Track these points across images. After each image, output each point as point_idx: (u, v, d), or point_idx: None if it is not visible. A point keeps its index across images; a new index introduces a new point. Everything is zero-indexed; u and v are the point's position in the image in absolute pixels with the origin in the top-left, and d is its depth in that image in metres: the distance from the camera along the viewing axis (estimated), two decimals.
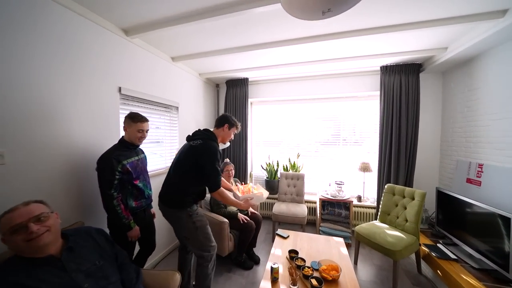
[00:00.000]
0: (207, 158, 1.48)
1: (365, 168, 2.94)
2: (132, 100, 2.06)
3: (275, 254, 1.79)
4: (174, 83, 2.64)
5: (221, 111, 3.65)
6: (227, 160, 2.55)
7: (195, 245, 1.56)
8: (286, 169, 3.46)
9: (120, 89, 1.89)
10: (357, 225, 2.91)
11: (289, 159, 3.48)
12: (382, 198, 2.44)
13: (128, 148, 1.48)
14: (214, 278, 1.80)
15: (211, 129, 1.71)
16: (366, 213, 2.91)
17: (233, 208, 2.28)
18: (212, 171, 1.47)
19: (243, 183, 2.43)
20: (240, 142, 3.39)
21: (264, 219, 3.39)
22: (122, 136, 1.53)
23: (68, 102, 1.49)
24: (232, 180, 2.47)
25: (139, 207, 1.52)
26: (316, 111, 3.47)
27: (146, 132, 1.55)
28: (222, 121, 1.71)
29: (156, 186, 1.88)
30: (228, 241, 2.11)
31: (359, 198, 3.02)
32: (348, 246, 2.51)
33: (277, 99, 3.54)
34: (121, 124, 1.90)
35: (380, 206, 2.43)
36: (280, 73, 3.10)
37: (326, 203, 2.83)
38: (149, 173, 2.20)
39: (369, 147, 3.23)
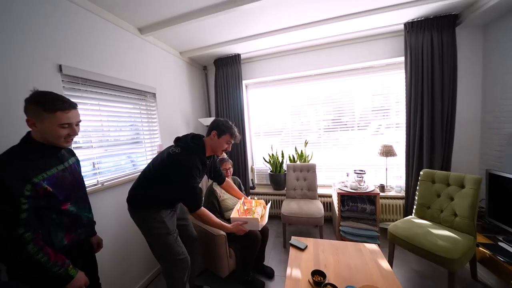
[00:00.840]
0: (178, 175, 1.27)
1: (387, 152, 2.44)
2: (84, 84, 1.52)
3: (292, 277, 1.32)
4: (146, 63, 2.09)
5: (212, 99, 3.10)
6: (225, 155, 2.02)
7: (155, 255, 1.43)
8: (292, 159, 2.97)
9: (60, 68, 1.35)
10: (385, 221, 2.48)
11: (296, 148, 2.97)
12: (418, 187, 1.96)
13: (43, 153, 0.88)
14: None
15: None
16: (393, 205, 2.44)
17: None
18: (188, 190, 1.30)
19: (247, 199, 1.79)
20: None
21: (271, 218, 2.95)
22: (28, 133, 0.88)
23: None
24: (230, 179, 1.98)
25: (76, 243, 0.98)
26: (323, 90, 2.92)
27: (77, 125, 0.94)
28: (210, 127, 1.43)
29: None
30: (227, 259, 1.65)
31: (382, 188, 2.54)
32: None
33: (275, 78, 2.98)
34: None
35: (416, 197, 1.95)
36: (278, 43, 2.53)
37: (345, 198, 2.35)
38: (122, 178, 1.75)
39: (391, 128, 2.72)
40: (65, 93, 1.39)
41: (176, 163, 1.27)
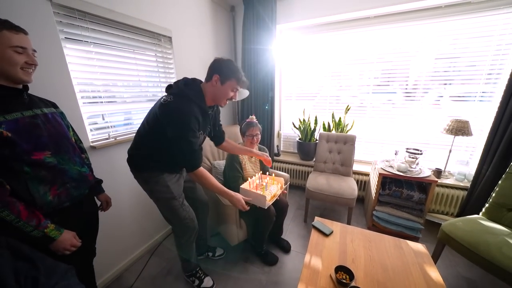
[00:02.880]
0: (173, 128, 1.05)
1: (459, 130, 1.84)
2: (83, 19, 1.26)
3: (310, 267, 1.13)
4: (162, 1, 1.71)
5: (239, 47, 2.63)
6: (253, 118, 1.66)
7: (162, 214, 1.34)
8: (327, 128, 2.53)
9: None
10: (433, 212, 2.06)
11: (333, 114, 2.50)
12: (501, 181, 1.45)
13: (1, 94, 0.73)
14: (224, 266, 1.65)
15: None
16: (449, 196, 1.96)
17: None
18: (185, 145, 1.06)
19: (264, 174, 1.54)
20: (264, 90, 2.47)
21: (293, 188, 2.76)
22: None
23: None
24: (256, 147, 1.72)
25: (67, 199, 0.88)
26: (374, 45, 2.21)
27: (33, 53, 0.76)
28: (211, 70, 1.15)
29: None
30: (237, 229, 1.55)
31: (438, 173, 2.03)
32: (414, 239, 1.75)
33: (319, 21, 2.31)
34: (72, 69, 1.22)
35: (493, 193, 1.47)
36: None
37: (388, 180, 1.95)
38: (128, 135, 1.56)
39: (460, 101, 2.01)
40: (60, 29, 1.17)
41: (170, 114, 1.05)
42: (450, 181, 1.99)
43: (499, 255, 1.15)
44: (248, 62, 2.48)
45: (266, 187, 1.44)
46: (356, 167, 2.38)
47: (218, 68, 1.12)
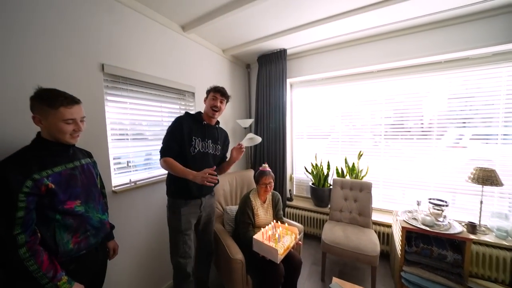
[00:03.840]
0: None
1: (486, 179, 1.71)
2: (125, 82, 1.53)
3: None
4: (187, 62, 2.04)
5: (253, 98, 2.90)
6: (265, 167, 1.69)
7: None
8: (341, 173, 2.48)
9: (102, 67, 1.37)
10: (476, 277, 1.73)
11: (346, 159, 2.48)
12: None
13: (51, 150, 0.85)
14: None
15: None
16: (493, 257, 1.69)
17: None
18: (165, 136, 1.40)
19: (277, 223, 1.56)
20: (276, 135, 2.58)
21: (308, 238, 2.55)
22: (38, 133, 0.87)
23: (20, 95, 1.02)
24: (269, 195, 1.73)
25: (85, 247, 0.90)
26: (384, 90, 2.33)
27: (82, 121, 0.90)
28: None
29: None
30: (242, 285, 1.41)
31: (472, 228, 1.80)
32: None
33: (326, 76, 2.55)
34: (108, 116, 1.41)
35: None
36: (332, 34, 2.10)
37: (414, 235, 1.76)
38: (154, 178, 1.69)
39: (482, 141, 1.93)
40: (106, 91, 1.41)
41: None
42: (489, 238, 1.75)
43: None
44: (260, 109, 2.68)
45: (279, 238, 1.38)
46: (375, 216, 2.21)
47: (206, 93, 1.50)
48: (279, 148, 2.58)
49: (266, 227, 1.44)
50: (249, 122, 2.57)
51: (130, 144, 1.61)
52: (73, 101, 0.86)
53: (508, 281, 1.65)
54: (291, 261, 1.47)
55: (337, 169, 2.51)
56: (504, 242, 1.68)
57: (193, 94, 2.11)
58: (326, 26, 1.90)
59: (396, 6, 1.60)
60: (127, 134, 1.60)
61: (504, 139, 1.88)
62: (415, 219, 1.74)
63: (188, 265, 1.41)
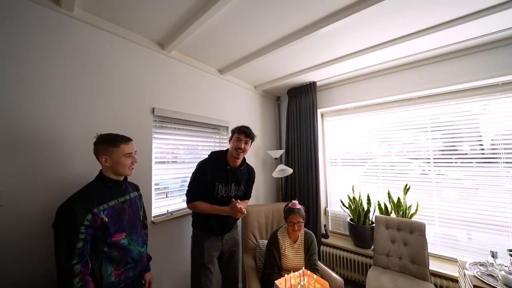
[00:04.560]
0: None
1: None
2: (169, 122, 1.74)
3: None
4: (222, 99, 2.24)
5: (284, 130, 2.95)
6: (295, 204, 1.57)
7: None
8: (384, 210, 2.21)
9: (153, 110, 1.60)
10: None
11: (389, 192, 2.21)
12: None
13: (109, 186, 0.99)
14: None
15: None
16: None
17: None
18: (190, 181, 1.48)
19: (307, 271, 1.37)
20: (308, 165, 2.50)
21: (349, 285, 2.22)
22: (100, 171, 1.02)
23: (78, 137, 1.26)
24: (300, 234, 1.60)
25: (124, 280, 0.95)
26: (432, 114, 2.10)
27: (135, 153, 1.06)
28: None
29: None
30: None
31: None
32: None
33: (358, 104, 2.47)
34: (154, 153, 1.59)
35: None
36: (362, 65, 2.09)
37: None
38: (182, 211, 1.75)
39: None
40: (154, 130, 1.62)
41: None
42: None
43: None
44: (291, 140, 2.68)
45: None
46: (433, 265, 1.83)
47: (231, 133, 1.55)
48: (311, 178, 2.47)
49: (292, 273, 1.31)
50: (279, 153, 2.58)
51: (169, 166, 1.77)
52: (129, 138, 1.04)
53: None
54: None
55: (379, 204, 2.24)
56: None
57: (227, 128, 2.25)
58: (354, 60, 1.92)
59: (438, 33, 1.53)
60: (167, 162, 1.77)
61: None
62: (491, 276, 1.38)
63: None
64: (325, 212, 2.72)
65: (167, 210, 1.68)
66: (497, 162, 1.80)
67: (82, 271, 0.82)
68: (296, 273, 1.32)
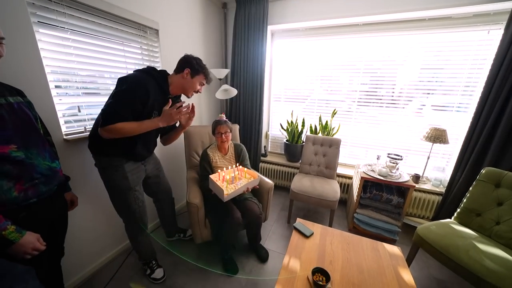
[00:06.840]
0: (119, 87, 1.08)
1: (437, 137, 1.93)
2: (59, 3, 1.18)
3: (288, 268, 1.13)
4: None
5: (229, 44, 2.60)
6: (222, 116, 1.64)
7: (114, 206, 1.30)
8: (314, 131, 2.57)
9: None
10: (410, 215, 2.14)
11: (320, 117, 2.53)
12: (472, 188, 1.53)
13: None
14: (192, 267, 1.60)
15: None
16: (425, 200, 2.05)
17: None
18: (114, 102, 1.04)
19: (236, 166, 1.58)
20: (254, 88, 2.46)
21: (278, 189, 2.77)
22: None
23: None
24: (228, 145, 1.71)
25: (35, 195, 0.82)
26: (363, 52, 2.27)
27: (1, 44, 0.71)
28: (182, 64, 1.24)
29: None
30: (199, 228, 1.53)
31: (416, 179, 2.12)
32: (392, 242, 1.81)
33: (310, 25, 2.33)
34: (39, 40, 1.13)
35: (465, 199, 1.55)
36: None
37: (369, 184, 2.01)
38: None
39: (440, 111, 2.11)
40: (32, 11, 1.08)
41: (126, 79, 1.09)
42: (427, 186, 2.08)
43: (466, 258, 1.21)
44: (237, 60, 2.45)
45: (233, 180, 1.46)
46: (340, 170, 2.43)
47: (190, 63, 1.22)
48: (255, 103, 2.50)
49: (225, 169, 1.52)
50: (224, 72, 2.36)
51: (82, 99, 1.38)
52: None
53: (431, 217, 2.06)
54: (249, 213, 1.53)
55: (311, 127, 2.58)
56: (436, 189, 2.03)
57: (156, 31, 1.78)
58: None
59: None
60: (78, 88, 1.35)
61: (458, 107, 2.06)
62: (373, 170, 1.95)
63: (143, 220, 1.35)
64: (266, 135, 2.96)
65: (85, 128, 1.39)
66: (398, 105, 2.27)
67: None
68: (228, 169, 1.49)
